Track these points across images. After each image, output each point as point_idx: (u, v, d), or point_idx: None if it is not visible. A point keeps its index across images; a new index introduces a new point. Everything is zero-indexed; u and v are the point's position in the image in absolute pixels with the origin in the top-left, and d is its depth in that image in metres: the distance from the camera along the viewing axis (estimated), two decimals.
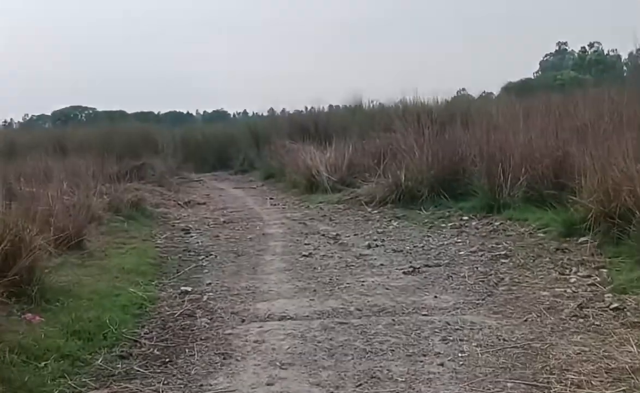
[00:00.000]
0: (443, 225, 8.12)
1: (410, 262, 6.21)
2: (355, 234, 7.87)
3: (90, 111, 44.09)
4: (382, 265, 6.17)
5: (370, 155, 12.05)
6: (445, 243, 7.08)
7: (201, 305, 4.92)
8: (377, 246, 7.10)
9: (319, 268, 6.13)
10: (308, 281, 5.61)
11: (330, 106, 20.54)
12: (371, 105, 16.94)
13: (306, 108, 20.60)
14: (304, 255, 6.72)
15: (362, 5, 50.38)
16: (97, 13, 50.96)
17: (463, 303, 4.80)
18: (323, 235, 7.91)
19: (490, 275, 5.60)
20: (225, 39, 52.60)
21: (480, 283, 5.35)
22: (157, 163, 13.78)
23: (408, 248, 6.94)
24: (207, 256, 6.74)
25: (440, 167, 9.68)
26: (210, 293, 5.23)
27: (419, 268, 5.94)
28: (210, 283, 5.56)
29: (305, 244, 7.39)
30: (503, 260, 6.11)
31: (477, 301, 4.82)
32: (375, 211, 9.46)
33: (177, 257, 6.71)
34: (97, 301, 4.67)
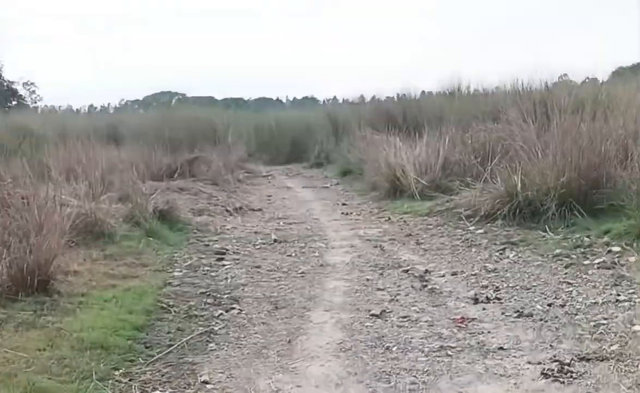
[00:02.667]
0: (585, 261, 5.47)
1: (552, 346, 3.68)
2: (453, 273, 5.37)
3: (180, 97, 43.74)
4: (501, 348, 3.67)
5: (473, 152, 9.43)
6: (600, 300, 4.46)
7: None
8: (488, 300, 4.59)
9: (395, 348, 3.71)
10: (373, 387, 3.22)
11: (423, 93, 17.82)
12: (473, 90, 14.13)
13: (397, 95, 17.93)
14: (374, 314, 4.33)
15: None
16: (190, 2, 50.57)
17: None
18: (406, 271, 5.48)
19: None
20: (317, 24, 50.60)
21: None
22: (214, 156, 11.75)
23: (539, 307, 4.39)
24: (228, 310, 4.48)
25: (574, 172, 6.97)
26: None
27: (569, 363, 3.40)
28: (206, 381, 3.29)
29: (379, 289, 4.99)
30: None
31: None
32: (480, 231, 6.91)
33: (185, 309, 4.49)
34: None
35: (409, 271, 5.48)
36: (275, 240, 6.89)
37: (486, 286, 4.94)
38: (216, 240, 6.88)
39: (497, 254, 5.96)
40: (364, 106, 18.06)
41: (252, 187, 12.00)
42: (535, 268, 5.41)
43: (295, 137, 17.92)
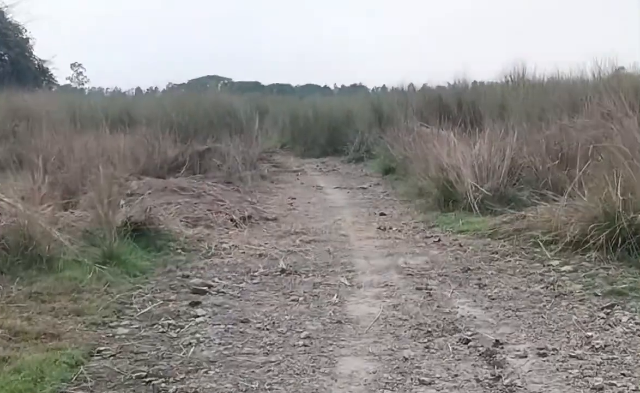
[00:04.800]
0: None
1: None
2: (540, 352, 3.42)
3: (226, 81, 42.91)
4: None
5: (548, 153, 7.41)
6: None
7: None
8: None
9: None
10: None
11: (475, 83, 15.53)
12: (541, 78, 11.93)
13: (449, 84, 15.67)
14: None
15: None
16: None
17: None
18: (465, 342, 3.57)
19: None
20: (368, 9, 48.54)
21: None
22: (231, 148, 9.98)
23: None
24: None
25: None
26: None
27: None
28: None
29: (422, 382, 3.09)
30: None
31: None
32: (568, 268, 4.93)
33: None
34: None
35: (470, 342, 3.56)
36: (282, 270, 5.05)
37: (601, 389, 2.99)
38: (202, 268, 5.08)
39: (602, 315, 3.96)
40: (413, 94, 16.03)
41: (275, 185, 10.20)
42: None
43: (333, 127, 16.02)
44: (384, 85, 21.06)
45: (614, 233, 5.14)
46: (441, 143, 8.56)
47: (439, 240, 6.12)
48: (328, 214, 7.81)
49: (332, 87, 41.45)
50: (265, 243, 6.07)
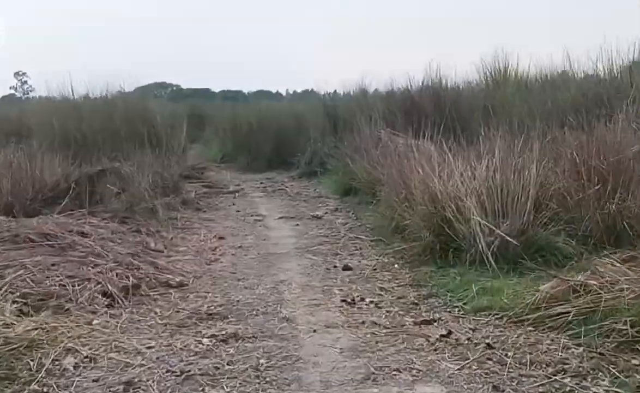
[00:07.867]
0: None
1: None
2: None
3: (174, 88, 40.37)
4: None
5: (587, 175, 5.04)
6: None
7: None
8: None
9: None
10: None
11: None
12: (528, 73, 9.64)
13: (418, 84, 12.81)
14: None
15: None
16: None
17: None
18: None
19: None
20: (320, 10, 46.52)
21: None
22: (136, 169, 7.27)
23: None
24: None
25: None
26: None
27: None
28: None
29: None
30: None
31: None
32: None
33: None
34: None
35: None
36: None
37: None
38: None
39: None
40: (374, 96, 13.59)
41: (201, 216, 7.54)
42: None
43: (281, 136, 13.45)
44: (335, 90, 18.41)
45: None
46: (425, 160, 6.11)
47: (449, 333, 3.60)
48: (266, 269, 5.22)
49: (284, 93, 39.13)
50: (148, 348, 3.43)
